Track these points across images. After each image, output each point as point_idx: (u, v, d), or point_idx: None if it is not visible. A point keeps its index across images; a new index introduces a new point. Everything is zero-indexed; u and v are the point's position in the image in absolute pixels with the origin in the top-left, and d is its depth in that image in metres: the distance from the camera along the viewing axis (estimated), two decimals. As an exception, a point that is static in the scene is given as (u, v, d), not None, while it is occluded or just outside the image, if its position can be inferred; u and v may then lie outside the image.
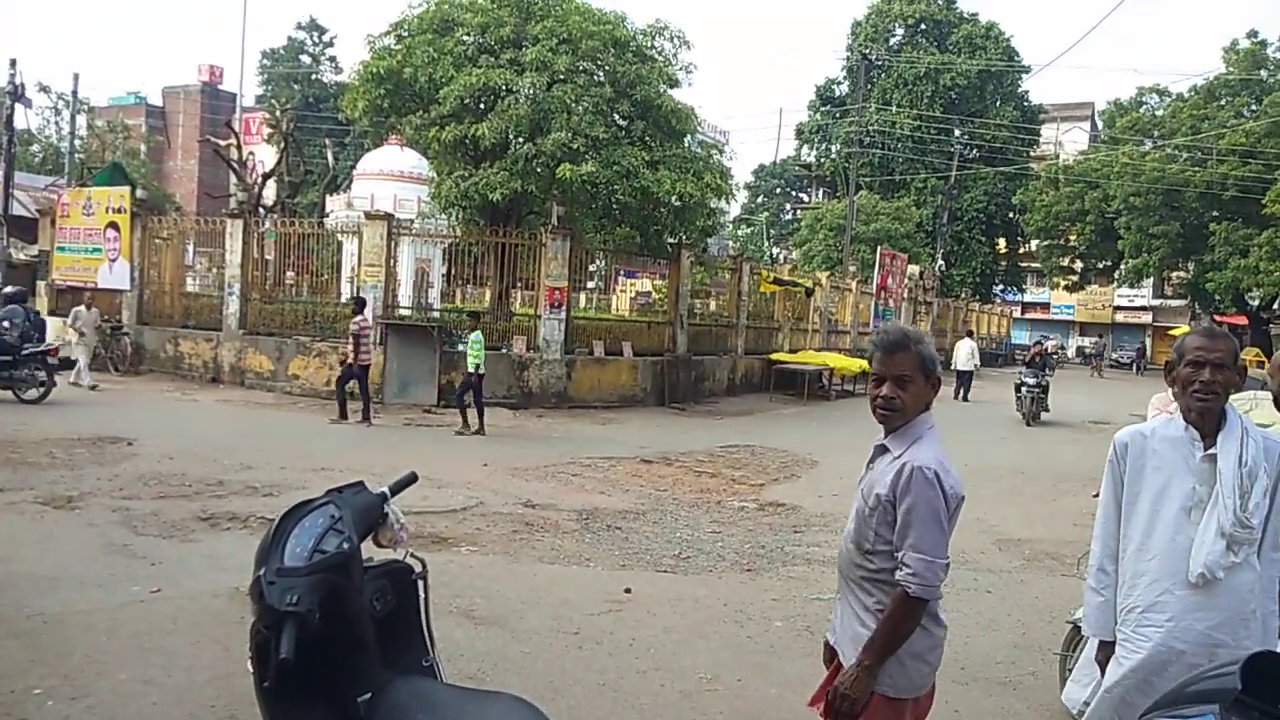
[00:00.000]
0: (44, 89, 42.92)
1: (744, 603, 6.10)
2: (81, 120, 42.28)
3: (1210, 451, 2.80)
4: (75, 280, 20.78)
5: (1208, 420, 2.82)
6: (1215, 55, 75.21)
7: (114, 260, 19.84)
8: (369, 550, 2.45)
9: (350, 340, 14.11)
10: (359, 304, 14.79)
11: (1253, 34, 39.83)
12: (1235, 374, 2.82)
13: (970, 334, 28.24)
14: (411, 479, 2.77)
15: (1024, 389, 19.18)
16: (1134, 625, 2.86)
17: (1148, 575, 2.84)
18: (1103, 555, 3.00)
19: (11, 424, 11.59)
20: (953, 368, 24.69)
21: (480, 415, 13.61)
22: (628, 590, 6.33)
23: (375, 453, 11.17)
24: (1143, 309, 59.07)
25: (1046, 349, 25.40)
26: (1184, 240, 39.71)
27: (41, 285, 21.72)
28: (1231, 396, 2.92)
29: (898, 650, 2.57)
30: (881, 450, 2.72)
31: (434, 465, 9.92)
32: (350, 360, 14.06)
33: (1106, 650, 2.99)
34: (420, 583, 2.52)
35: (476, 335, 13.96)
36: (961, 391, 24.22)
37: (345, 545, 2.24)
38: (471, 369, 13.76)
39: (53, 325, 21.03)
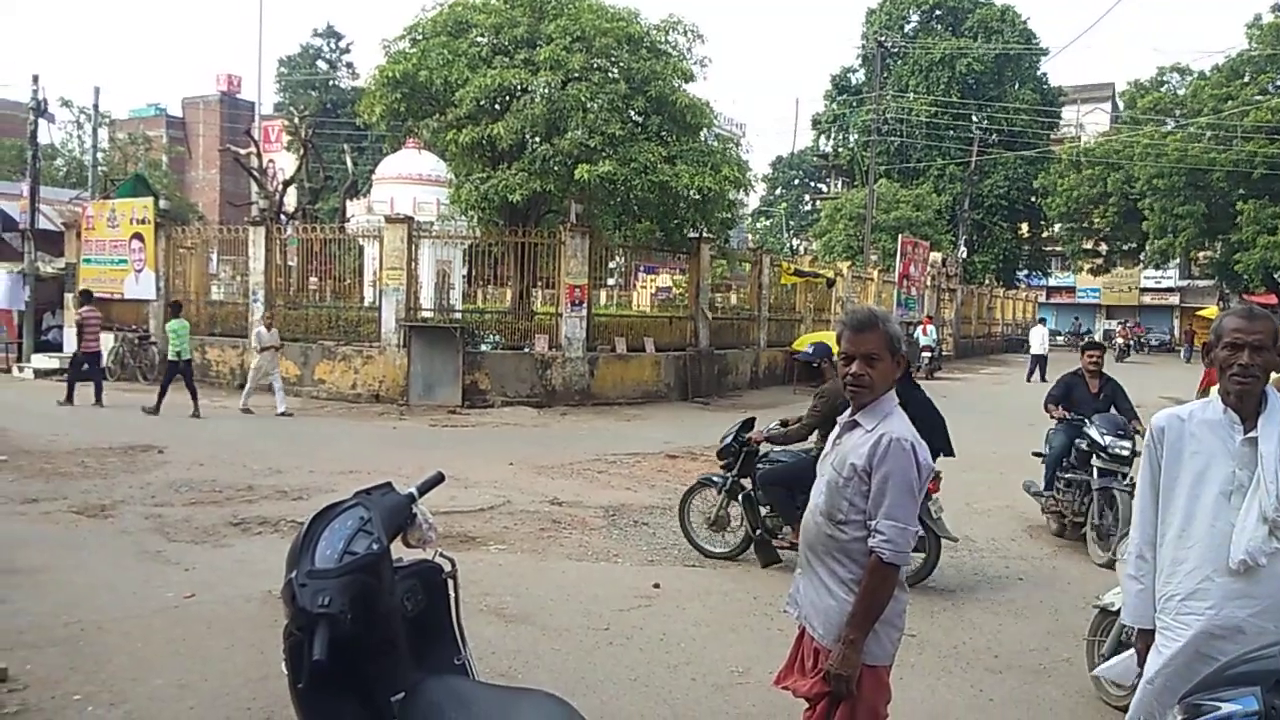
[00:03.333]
0: (66, 103, 43.29)
1: (773, 595, 6.08)
2: (103, 133, 42.70)
3: (1250, 435, 2.73)
4: (102, 291, 20.97)
5: (1246, 403, 2.75)
6: (1238, 31, 74.09)
7: (139, 271, 20.05)
8: (398, 550, 2.46)
9: (76, 329, 15.66)
10: (85, 296, 16.23)
11: (1276, 7, 39.18)
12: (1275, 355, 2.74)
13: (1042, 321, 31.18)
14: (438, 479, 2.78)
15: (1097, 476, 7.68)
16: (1174, 613, 2.80)
17: (1188, 562, 2.78)
18: (1141, 542, 2.94)
19: (45, 435, 11.76)
20: (1028, 352, 28.93)
21: (193, 397, 14.15)
22: (656, 585, 6.34)
23: (402, 454, 11.24)
24: (1170, 290, 58.34)
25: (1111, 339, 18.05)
26: (1210, 220, 39.13)
27: (69, 298, 21.97)
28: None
29: (877, 619, 2.68)
30: (851, 425, 2.82)
31: (460, 465, 9.97)
32: (79, 348, 15.50)
33: (1146, 639, 2.92)
34: (450, 582, 2.53)
35: (174, 324, 14.50)
36: (1038, 372, 26.54)
37: (375, 546, 2.26)
38: (173, 357, 14.33)
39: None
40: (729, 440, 7.14)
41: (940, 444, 6.62)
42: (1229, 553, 2.70)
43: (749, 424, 7.32)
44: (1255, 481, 2.70)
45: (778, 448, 7.30)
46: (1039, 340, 27.52)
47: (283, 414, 14.48)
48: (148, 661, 4.77)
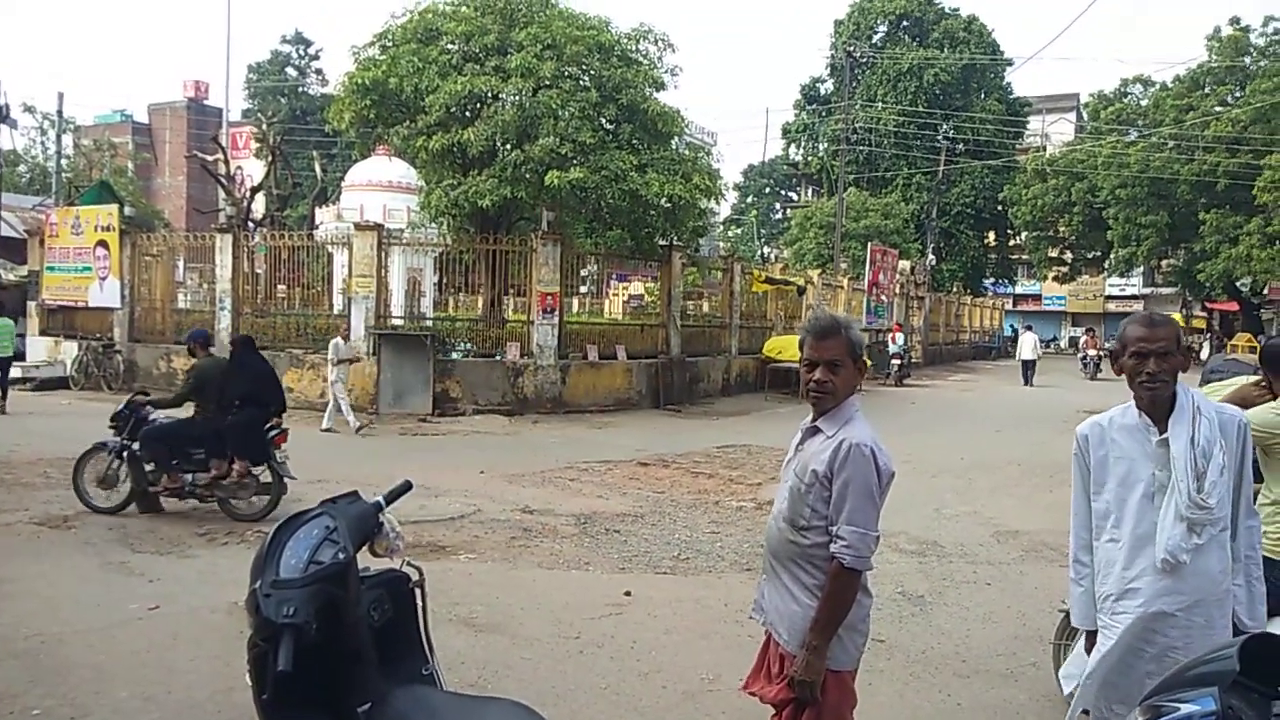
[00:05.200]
0: (29, 109, 42.72)
1: (744, 602, 6.06)
2: (67, 139, 42.17)
3: (1164, 436, 2.83)
4: (66, 300, 20.74)
5: (1159, 407, 2.85)
6: (1199, 43, 75.35)
7: (104, 279, 19.79)
8: (366, 560, 2.44)
9: None
10: None
11: (1235, 20, 39.94)
12: (1180, 357, 2.85)
13: (1029, 328, 33.28)
14: (406, 488, 2.77)
15: None
16: (1110, 612, 2.91)
17: (1118, 563, 2.89)
18: (1077, 547, 3.06)
19: (5, 445, 11.55)
20: (1018, 358, 30.54)
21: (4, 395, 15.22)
22: (628, 593, 6.33)
23: (371, 463, 11.15)
24: (1134, 298, 59.20)
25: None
26: (1173, 229, 39.70)
27: (32, 305, 21.65)
28: (1220, 383, 2.94)
29: (840, 624, 2.69)
30: (813, 431, 2.85)
31: (431, 474, 9.91)
32: None
33: (1092, 639, 3.03)
34: (418, 591, 2.52)
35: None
36: (1029, 377, 28.27)
37: (340, 556, 2.24)
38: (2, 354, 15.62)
39: (44, 346, 21.02)
40: (121, 409, 8.56)
41: (276, 402, 8.70)
42: (1154, 552, 2.79)
43: (140, 393, 9.10)
44: (1172, 482, 2.79)
45: (163, 414, 8.66)
46: (1029, 346, 29.11)
47: (327, 430, 14.06)
48: (111, 674, 4.69)
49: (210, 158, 30.03)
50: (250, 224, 25.10)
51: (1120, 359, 2.91)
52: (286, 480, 8.35)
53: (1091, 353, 32.76)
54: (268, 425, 8.39)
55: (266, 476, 8.39)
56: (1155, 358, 2.80)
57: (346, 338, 15.22)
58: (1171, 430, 2.81)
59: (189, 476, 8.32)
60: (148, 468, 8.31)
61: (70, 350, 19.93)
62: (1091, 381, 30.16)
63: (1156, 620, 2.79)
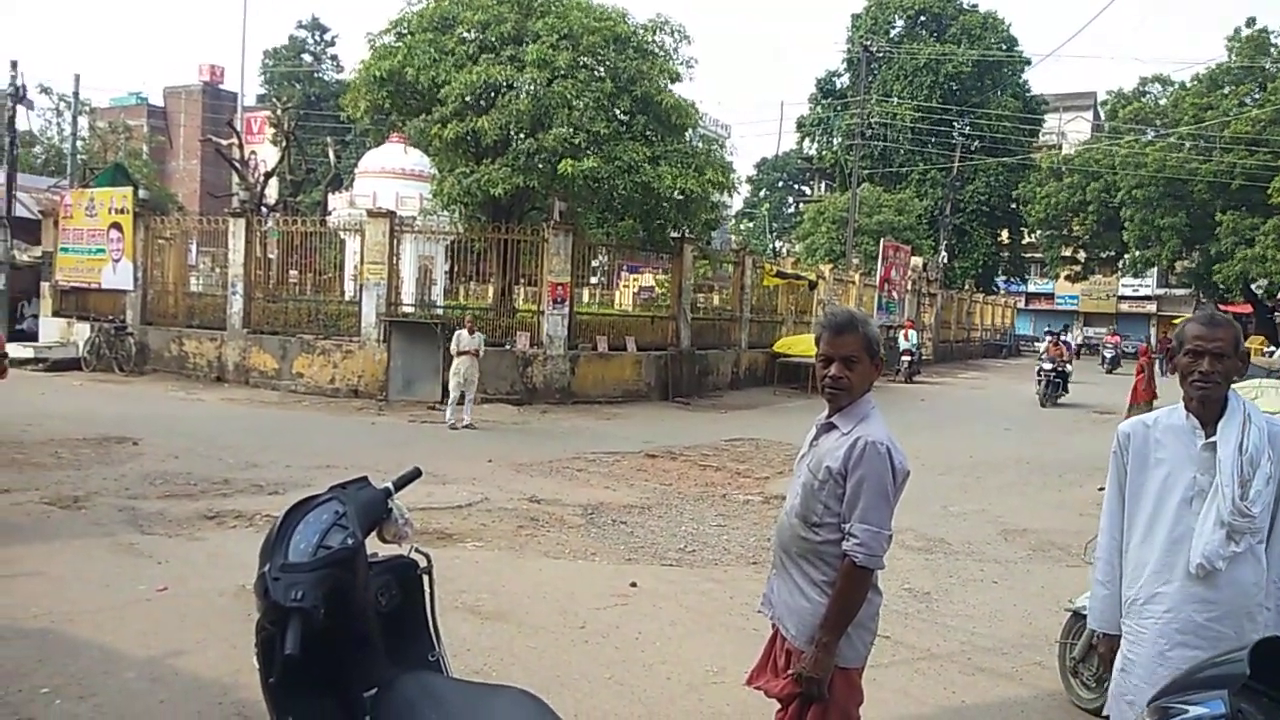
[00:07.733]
0: (45, 90, 42.84)
1: (750, 595, 6.07)
2: (83, 121, 42.28)
3: (1211, 440, 2.75)
4: (79, 281, 20.83)
5: (1208, 409, 2.77)
6: (1218, 43, 74.72)
7: (117, 261, 19.86)
8: (374, 546, 2.44)
9: None
10: None
11: (1251, 21, 39.60)
12: (1237, 361, 2.77)
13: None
14: (415, 474, 2.77)
15: None
16: (1136, 617, 2.83)
17: (1149, 566, 2.81)
18: (1108, 548, 2.97)
19: (17, 426, 11.62)
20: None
21: None
22: (633, 584, 6.34)
23: (380, 450, 11.18)
24: (1147, 298, 58.93)
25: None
26: (1190, 230, 39.37)
27: (45, 286, 21.76)
28: (1236, 384, 2.88)
29: (851, 622, 2.69)
30: (828, 428, 2.83)
31: (439, 462, 9.93)
32: None
33: (1110, 643, 2.96)
34: (425, 578, 2.51)
35: None
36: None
37: (349, 541, 2.24)
38: None
39: (56, 326, 21.13)
40: None
41: None
42: (1189, 557, 2.73)
43: None
44: (1214, 486, 2.72)
45: None
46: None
47: (466, 425, 13.48)
48: (119, 654, 4.72)
49: (224, 142, 30.06)
50: (263, 209, 25.12)
51: (1176, 356, 2.84)
52: None
53: (1047, 367, 22.02)
54: None
55: None
56: (1210, 357, 2.73)
57: (472, 330, 14.02)
58: (1220, 434, 2.74)
59: None
60: None
61: (83, 332, 20.01)
62: (1042, 409, 20.99)
63: (1184, 629, 2.72)
